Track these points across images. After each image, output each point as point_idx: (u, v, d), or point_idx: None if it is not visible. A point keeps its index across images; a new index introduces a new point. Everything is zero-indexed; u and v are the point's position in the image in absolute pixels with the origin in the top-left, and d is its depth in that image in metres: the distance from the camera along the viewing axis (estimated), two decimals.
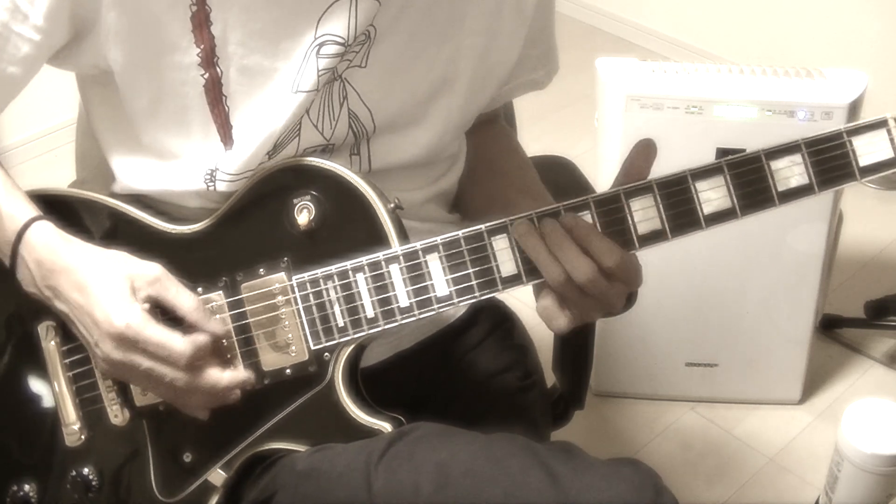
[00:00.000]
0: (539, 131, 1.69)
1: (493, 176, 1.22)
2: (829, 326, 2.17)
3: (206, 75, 1.01)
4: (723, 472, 1.96)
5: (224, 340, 1.03)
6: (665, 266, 1.86)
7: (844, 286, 2.27)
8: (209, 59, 1.00)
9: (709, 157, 1.80)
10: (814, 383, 2.09)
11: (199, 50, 0.99)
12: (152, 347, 0.97)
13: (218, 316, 1.03)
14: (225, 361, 1.03)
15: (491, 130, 1.26)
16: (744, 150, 1.82)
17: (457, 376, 1.23)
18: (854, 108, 1.74)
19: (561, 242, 0.95)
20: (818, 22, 2.74)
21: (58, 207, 1.08)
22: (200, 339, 0.99)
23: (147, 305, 0.98)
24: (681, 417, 2.06)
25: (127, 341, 0.96)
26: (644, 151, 0.99)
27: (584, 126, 1.93)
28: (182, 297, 1.00)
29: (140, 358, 0.97)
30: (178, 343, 0.97)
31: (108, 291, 0.97)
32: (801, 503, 1.86)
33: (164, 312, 1.00)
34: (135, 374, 1.00)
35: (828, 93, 1.74)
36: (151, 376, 0.98)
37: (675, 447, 2.01)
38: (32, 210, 1.03)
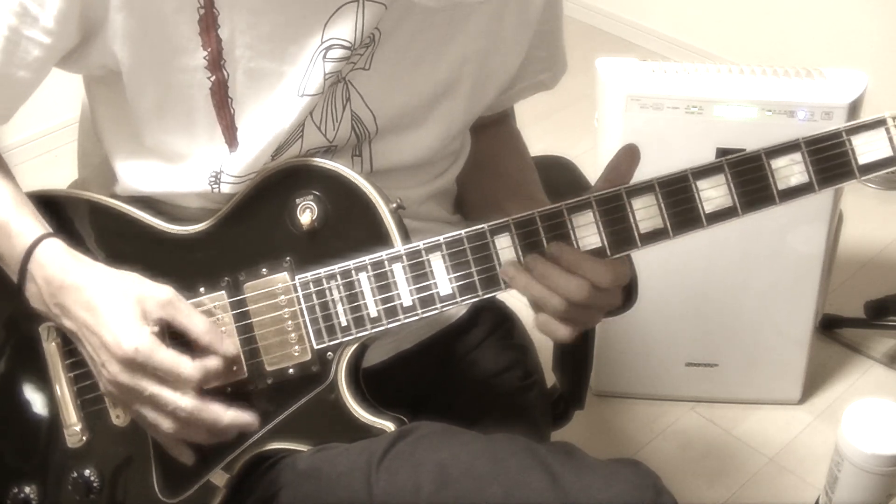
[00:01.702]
0: (539, 131, 1.69)
1: (489, 177, 1.22)
2: (829, 326, 2.17)
3: (213, 78, 1.01)
4: (723, 472, 1.96)
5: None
6: (665, 266, 1.86)
7: (844, 286, 2.27)
8: (216, 62, 1.00)
9: (709, 157, 1.80)
10: (814, 383, 2.09)
11: (206, 53, 0.99)
12: (161, 372, 0.97)
13: (224, 329, 1.03)
14: (230, 397, 1.02)
15: (497, 131, 1.26)
16: (744, 151, 1.82)
17: (457, 376, 1.23)
18: (854, 108, 1.74)
19: (547, 272, 0.97)
20: (818, 22, 2.74)
21: (59, 209, 1.08)
22: (210, 364, 0.99)
23: (157, 328, 0.98)
24: (681, 417, 2.06)
25: (135, 365, 0.97)
26: (629, 156, 1.00)
27: (584, 126, 1.93)
28: (194, 320, 1.00)
29: (146, 382, 0.97)
30: (188, 367, 0.97)
31: (117, 313, 0.97)
32: (801, 503, 1.86)
33: (173, 335, 1.00)
34: (138, 400, 1.00)
35: (828, 93, 1.74)
36: (155, 402, 0.98)
37: (675, 447, 2.01)
38: (41, 227, 1.03)
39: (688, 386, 2.06)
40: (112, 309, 0.98)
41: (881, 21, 2.62)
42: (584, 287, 0.96)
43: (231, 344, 1.01)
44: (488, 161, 1.23)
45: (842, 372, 2.14)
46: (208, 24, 0.98)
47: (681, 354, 2.03)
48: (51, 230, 1.03)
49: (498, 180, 1.21)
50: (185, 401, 0.98)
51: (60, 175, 1.28)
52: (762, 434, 2.02)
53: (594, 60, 1.81)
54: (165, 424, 1.00)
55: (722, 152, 1.75)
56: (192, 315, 1.00)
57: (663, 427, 2.04)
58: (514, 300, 1.21)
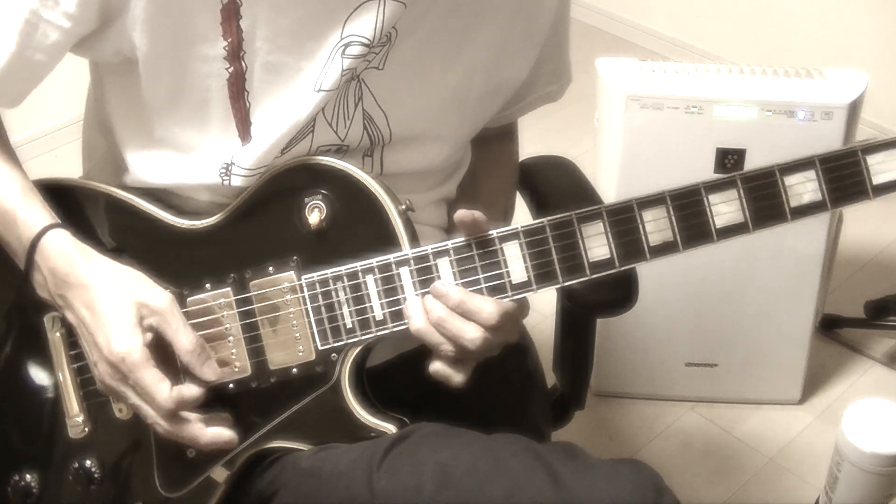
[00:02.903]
0: (539, 131, 1.69)
1: (466, 189, 1.22)
2: (829, 326, 2.17)
3: (231, 69, 1.01)
4: (723, 472, 1.96)
5: (230, 338, 1.03)
6: (665, 266, 1.84)
7: (844, 286, 2.27)
8: (235, 53, 1.00)
9: (709, 158, 1.82)
10: (814, 383, 2.09)
11: (225, 43, 0.99)
12: (139, 389, 0.97)
13: (228, 326, 1.02)
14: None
15: (492, 146, 1.26)
16: (744, 151, 1.83)
17: None
18: (854, 109, 1.74)
19: (444, 319, 0.97)
20: (818, 22, 2.74)
21: (67, 198, 1.08)
22: (188, 393, 0.99)
23: (150, 335, 0.98)
24: (681, 417, 2.06)
25: (120, 372, 0.97)
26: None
27: (584, 126, 1.93)
28: (181, 337, 0.99)
29: (128, 392, 0.98)
30: (162, 395, 0.97)
31: (113, 317, 0.98)
32: (801, 503, 1.86)
33: None
34: (124, 403, 1.02)
35: (828, 93, 1.74)
36: (138, 411, 1.00)
37: (675, 447, 2.01)
38: (48, 217, 1.03)
39: (688, 386, 2.06)
40: (109, 312, 0.98)
41: (881, 21, 2.62)
42: (478, 335, 0.96)
43: (213, 369, 1.01)
44: (472, 175, 1.23)
45: (842, 372, 2.14)
46: (230, 13, 0.98)
47: (681, 354, 2.03)
48: (58, 220, 1.03)
49: (473, 198, 1.21)
50: (161, 420, 0.99)
51: (62, 174, 1.28)
52: (762, 434, 2.02)
53: (594, 60, 1.81)
54: (152, 426, 1.01)
55: (722, 152, 1.76)
56: (181, 331, 0.99)
57: (663, 427, 2.04)
58: None
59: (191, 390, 0.99)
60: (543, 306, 1.52)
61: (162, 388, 0.97)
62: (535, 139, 1.33)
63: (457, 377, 1.00)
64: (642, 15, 3.17)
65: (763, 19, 2.86)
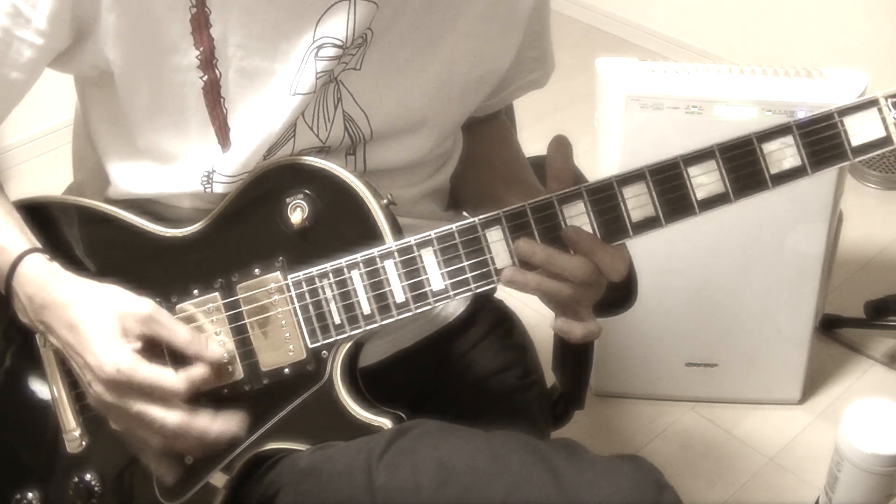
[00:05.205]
0: (539, 131, 1.69)
1: (481, 168, 1.22)
2: (829, 326, 2.17)
3: (205, 77, 1.01)
4: (723, 472, 1.96)
5: (221, 343, 1.03)
6: (665, 266, 1.86)
7: (844, 286, 2.27)
8: (208, 62, 1.00)
9: None
10: (814, 383, 2.09)
11: (198, 52, 0.99)
12: (146, 388, 0.96)
13: (219, 331, 1.02)
14: (225, 399, 1.02)
15: (487, 125, 1.26)
16: None
17: (456, 376, 1.23)
18: None
19: (551, 258, 0.96)
20: (818, 22, 2.74)
21: (50, 216, 1.08)
22: (196, 372, 0.99)
23: (139, 344, 0.98)
24: (681, 417, 2.06)
25: (119, 384, 0.96)
26: (559, 148, 0.99)
27: (584, 126, 1.93)
28: (176, 332, 0.99)
29: (132, 400, 0.97)
30: (172, 379, 0.96)
31: (97, 333, 0.97)
32: (801, 503, 1.86)
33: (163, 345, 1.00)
34: (124, 418, 1.00)
35: (828, 93, 1.74)
36: (141, 420, 0.98)
37: (675, 447, 2.01)
38: (25, 242, 1.02)
39: (688, 386, 2.06)
40: (92, 329, 0.97)
41: (881, 21, 2.63)
42: (586, 265, 0.96)
43: (217, 349, 1.01)
44: (480, 155, 1.23)
45: (842, 372, 2.14)
46: (200, 23, 0.98)
47: (681, 354, 2.03)
48: (36, 244, 1.03)
49: (491, 172, 1.21)
50: (171, 416, 0.97)
51: (60, 175, 1.28)
52: (762, 434, 2.02)
53: (594, 60, 1.81)
54: (153, 440, 1.00)
55: None
56: (174, 328, 0.99)
57: (663, 427, 2.04)
58: (514, 299, 1.21)
59: (197, 370, 0.99)
60: (543, 306, 1.53)
61: (168, 375, 0.97)
62: (536, 139, 1.33)
63: (577, 328, 1.00)
64: (642, 15, 3.17)
65: (763, 19, 2.86)
